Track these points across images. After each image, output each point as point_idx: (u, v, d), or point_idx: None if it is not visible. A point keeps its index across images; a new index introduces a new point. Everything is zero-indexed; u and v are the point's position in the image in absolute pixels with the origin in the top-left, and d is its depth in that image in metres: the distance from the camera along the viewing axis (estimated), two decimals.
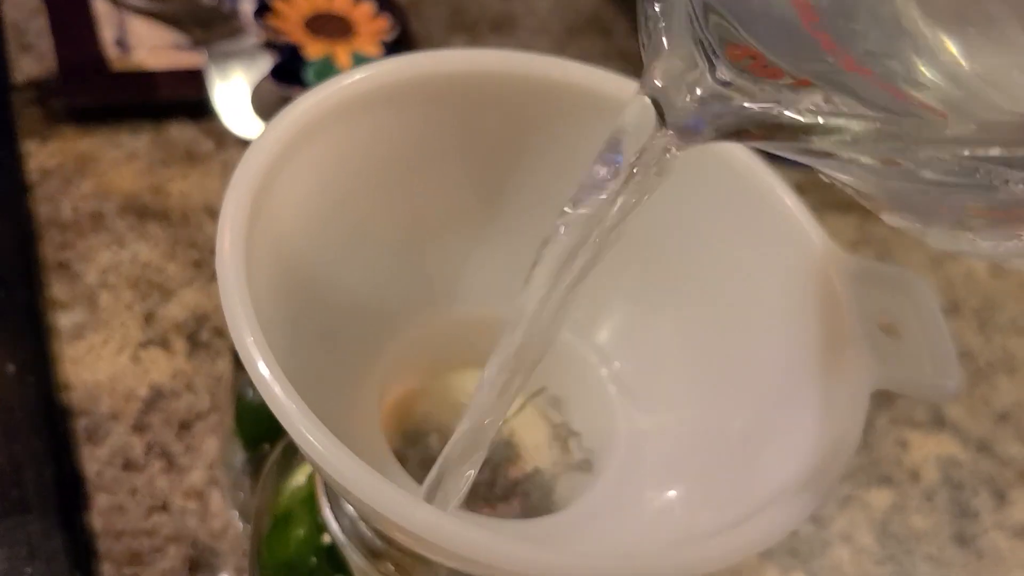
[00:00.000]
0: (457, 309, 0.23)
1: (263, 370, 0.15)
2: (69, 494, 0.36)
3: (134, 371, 0.41)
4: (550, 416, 0.22)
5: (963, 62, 0.12)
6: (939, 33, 0.13)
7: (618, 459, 0.21)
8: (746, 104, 0.14)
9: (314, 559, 0.23)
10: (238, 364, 0.33)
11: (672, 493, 0.19)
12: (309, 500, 0.24)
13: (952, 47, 0.13)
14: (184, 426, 0.40)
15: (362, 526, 0.21)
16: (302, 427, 0.15)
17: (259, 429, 0.32)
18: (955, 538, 0.45)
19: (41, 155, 0.48)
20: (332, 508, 0.22)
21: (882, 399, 0.50)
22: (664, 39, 0.15)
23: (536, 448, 0.22)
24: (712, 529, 0.16)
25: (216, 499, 0.38)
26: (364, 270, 0.22)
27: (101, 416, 0.39)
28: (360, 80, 0.20)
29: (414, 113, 0.21)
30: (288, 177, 0.20)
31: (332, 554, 0.23)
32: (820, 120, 0.13)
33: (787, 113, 0.14)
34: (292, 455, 0.26)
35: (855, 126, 0.13)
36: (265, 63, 0.51)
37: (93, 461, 0.38)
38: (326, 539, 0.23)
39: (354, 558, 0.22)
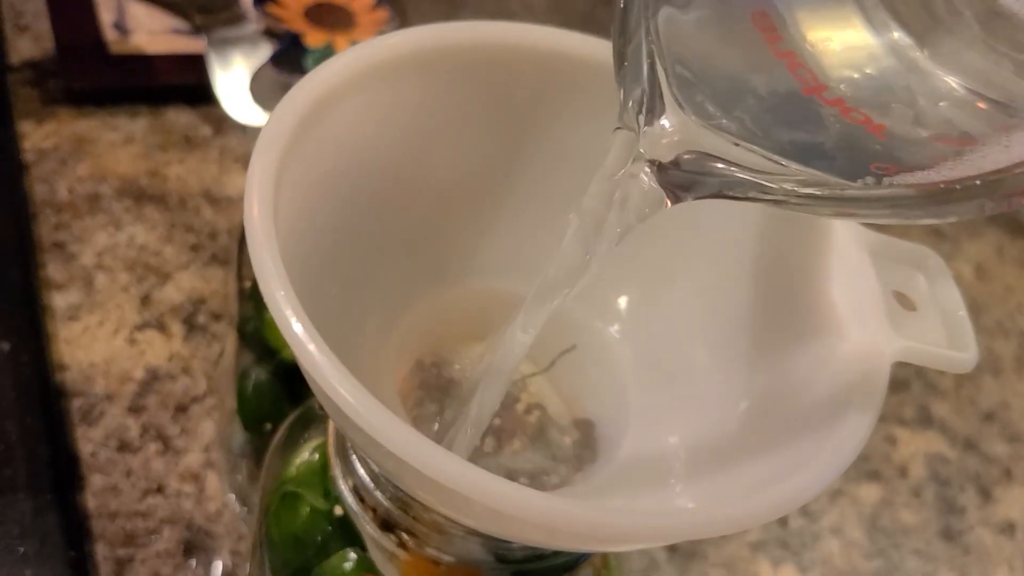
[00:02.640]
0: (472, 282, 0.23)
1: (295, 326, 0.15)
2: (63, 474, 0.36)
3: (130, 353, 0.41)
4: (563, 386, 0.23)
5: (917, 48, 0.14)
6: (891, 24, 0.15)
7: (632, 432, 0.21)
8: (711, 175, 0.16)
9: (325, 531, 0.23)
10: (241, 344, 0.33)
11: (688, 462, 0.20)
12: (319, 474, 0.24)
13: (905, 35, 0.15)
14: (180, 409, 0.40)
15: (378, 495, 0.21)
16: (337, 382, 0.15)
17: (261, 409, 0.32)
18: (942, 533, 0.46)
19: (36, 136, 0.47)
20: (345, 479, 0.22)
21: None
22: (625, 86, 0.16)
23: (548, 417, 0.22)
24: (741, 491, 0.16)
25: (212, 482, 0.38)
26: (382, 240, 0.22)
27: (96, 397, 0.39)
28: (384, 47, 0.20)
29: (438, 82, 0.21)
30: (312, 143, 0.20)
31: (344, 525, 0.23)
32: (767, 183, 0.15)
33: (741, 176, 0.15)
34: (300, 431, 0.26)
35: (787, 186, 0.15)
36: (265, 50, 0.50)
37: (87, 442, 0.38)
38: (337, 511, 0.23)
39: (367, 528, 0.22)
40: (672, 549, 0.42)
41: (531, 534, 0.16)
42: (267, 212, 0.17)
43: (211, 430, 0.39)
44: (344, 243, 0.21)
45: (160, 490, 0.37)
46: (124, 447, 0.38)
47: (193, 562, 0.36)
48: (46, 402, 0.37)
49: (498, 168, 0.22)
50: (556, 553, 0.21)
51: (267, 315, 0.30)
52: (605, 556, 0.24)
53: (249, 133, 0.50)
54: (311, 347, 0.15)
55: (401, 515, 0.20)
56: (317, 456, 0.24)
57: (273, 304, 0.16)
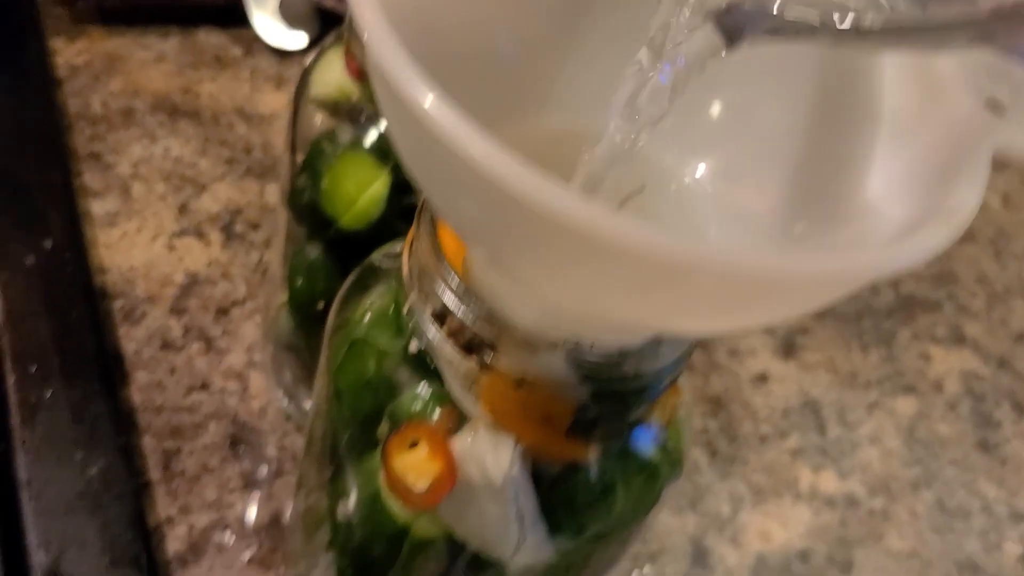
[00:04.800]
0: (548, 116, 0.23)
1: (410, 69, 0.15)
2: (108, 367, 0.36)
3: (169, 258, 0.41)
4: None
5: None
6: None
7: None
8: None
9: (397, 371, 0.23)
10: (292, 223, 0.32)
11: None
12: (389, 316, 0.24)
13: None
14: (221, 311, 0.40)
15: (464, 313, 0.20)
16: (456, 127, 0.14)
17: (314, 287, 0.31)
18: (979, 445, 0.46)
19: (68, 53, 0.47)
20: (424, 307, 0.21)
21: (904, 314, 0.51)
22: None
23: None
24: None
25: (256, 381, 0.38)
26: (471, 65, 0.21)
27: (137, 299, 0.39)
28: None
29: None
30: None
31: (418, 362, 0.23)
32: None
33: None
34: (360, 289, 0.26)
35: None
36: None
37: (131, 340, 0.38)
38: (411, 348, 0.23)
39: (447, 355, 0.21)
40: (713, 453, 0.42)
41: (679, 299, 0.15)
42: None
43: (253, 332, 0.39)
44: (432, 47, 0.20)
45: (205, 387, 0.37)
46: (167, 346, 0.38)
47: (241, 452, 0.36)
48: (89, 298, 0.37)
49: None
50: (637, 375, 0.21)
51: (324, 183, 0.30)
52: (674, 402, 0.24)
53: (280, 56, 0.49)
54: (430, 95, 0.15)
55: (488, 330, 0.20)
56: (386, 299, 0.24)
57: (382, 49, 0.15)
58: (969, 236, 0.56)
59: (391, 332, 0.24)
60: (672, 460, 0.24)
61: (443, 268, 0.21)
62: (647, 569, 0.37)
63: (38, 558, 0.30)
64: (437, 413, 0.22)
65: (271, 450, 0.36)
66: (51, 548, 0.30)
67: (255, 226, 0.43)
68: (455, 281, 0.21)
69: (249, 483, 0.35)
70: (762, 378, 0.45)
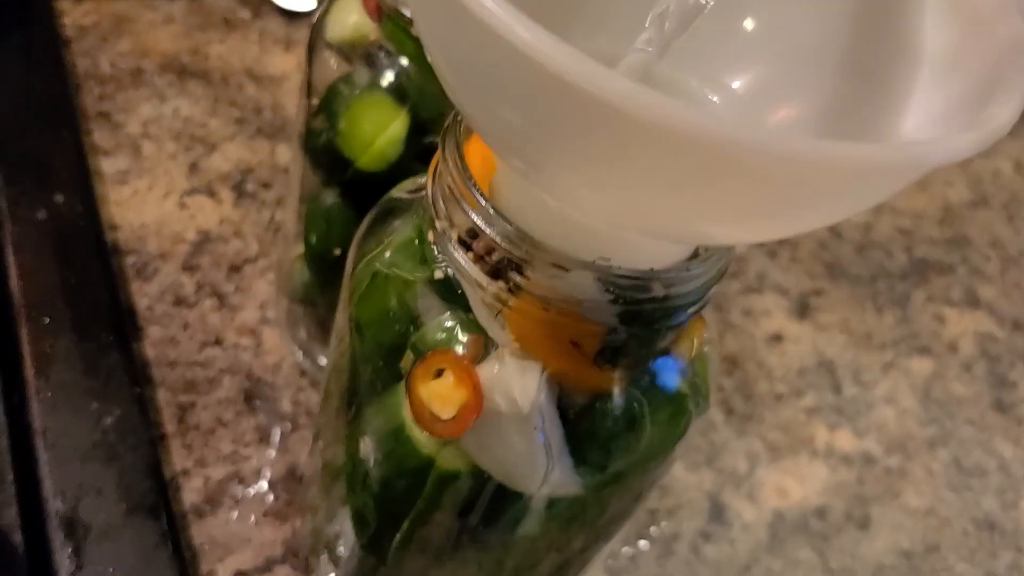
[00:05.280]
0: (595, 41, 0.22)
1: None
2: (122, 320, 0.35)
3: (180, 216, 0.40)
4: None
5: None
6: None
7: None
8: None
9: (421, 300, 0.23)
10: (307, 169, 0.32)
11: None
12: (413, 245, 0.24)
13: None
14: (234, 268, 0.39)
15: (493, 233, 0.20)
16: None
17: (331, 233, 0.31)
18: (994, 405, 0.45)
19: (76, 13, 0.46)
20: (451, 231, 0.21)
21: (918, 277, 0.50)
22: None
23: None
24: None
25: (269, 337, 0.38)
26: None
27: (149, 255, 0.39)
28: None
29: None
30: None
31: (443, 289, 0.23)
32: None
33: None
34: (380, 225, 0.25)
35: None
36: None
37: (143, 296, 0.37)
38: (436, 275, 0.23)
39: (474, 279, 0.21)
40: (728, 411, 0.41)
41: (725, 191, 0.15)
42: None
43: (266, 289, 0.39)
44: None
45: (218, 343, 0.37)
46: (180, 302, 0.38)
47: (255, 407, 0.36)
48: (101, 253, 0.37)
49: None
50: (666, 297, 0.21)
51: (341, 125, 0.30)
52: (700, 333, 0.24)
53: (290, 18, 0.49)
54: None
55: (516, 251, 0.20)
56: (408, 230, 0.24)
57: None
58: (982, 201, 0.56)
59: (414, 262, 0.23)
60: (698, 393, 0.24)
61: (471, 189, 0.21)
62: (665, 524, 0.37)
63: (55, 505, 0.30)
64: (463, 341, 0.22)
65: (286, 405, 0.36)
66: (68, 496, 0.30)
67: (266, 185, 0.42)
68: (483, 202, 0.20)
69: (264, 437, 0.35)
70: (777, 338, 0.45)
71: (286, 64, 0.48)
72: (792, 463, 0.40)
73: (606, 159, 0.15)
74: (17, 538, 0.29)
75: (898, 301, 0.49)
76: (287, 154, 0.44)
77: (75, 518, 0.30)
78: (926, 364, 0.46)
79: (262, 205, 0.42)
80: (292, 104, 0.46)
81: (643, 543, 0.36)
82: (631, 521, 0.37)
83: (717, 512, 0.38)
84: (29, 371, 0.32)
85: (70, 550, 0.29)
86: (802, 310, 0.47)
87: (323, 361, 0.36)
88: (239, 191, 0.42)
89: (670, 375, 0.23)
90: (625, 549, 0.36)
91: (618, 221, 0.18)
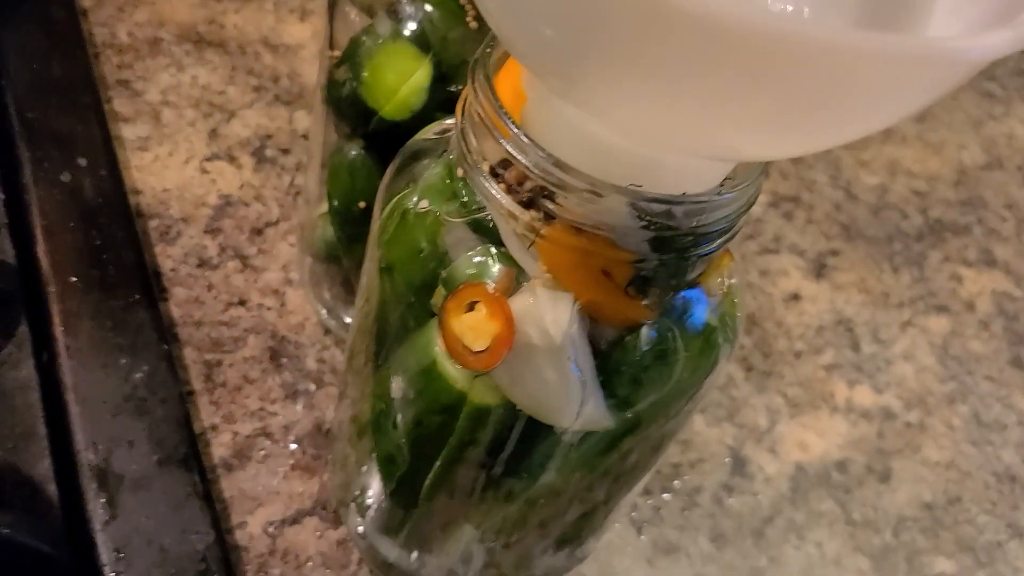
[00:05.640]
0: None
1: None
2: (147, 279, 0.36)
3: (201, 181, 0.41)
4: None
5: None
6: None
7: None
8: None
9: (452, 236, 0.23)
10: (329, 122, 0.32)
11: None
12: (443, 183, 0.24)
13: None
14: (256, 231, 0.40)
15: (526, 162, 0.20)
16: None
17: (355, 186, 0.31)
18: (1013, 362, 0.45)
19: None
20: (482, 165, 0.21)
21: (934, 238, 0.50)
22: None
23: None
24: None
25: (293, 298, 0.38)
26: None
27: (172, 219, 0.39)
28: None
29: None
30: None
31: (475, 225, 0.23)
32: None
33: None
34: (413, 158, 0.26)
35: None
36: None
37: (167, 258, 0.38)
38: (467, 211, 0.23)
39: (507, 209, 0.21)
40: (748, 368, 0.42)
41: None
42: None
43: (288, 252, 0.39)
44: None
45: (242, 303, 0.37)
46: (203, 264, 0.38)
47: (281, 365, 0.36)
48: (125, 215, 0.37)
49: None
50: (697, 224, 0.21)
51: (365, 75, 0.30)
52: (729, 266, 0.24)
53: None
54: None
55: (548, 178, 0.20)
56: (437, 169, 0.24)
57: None
58: (997, 163, 0.56)
59: (444, 198, 0.24)
60: (727, 328, 0.24)
61: (502, 118, 0.21)
62: (688, 478, 0.37)
63: (87, 457, 0.30)
64: (495, 273, 0.22)
65: (311, 363, 0.36)
66: (99, 448, 0.30)
67: (285, 151, 0.43)
68: (515, 130, 0.20)
69: (290, 394, 0.35)
70: (794, 297, 0.45)
71: (302, 33, 0.48)
72: (812, 418, 0.41)
73: (651, 62, 0.15)
74: (51, 489, 0.29)
75: (915, 261, 0.49)
76: (305, 120, 0.44)
77: (107, 469, 0.30)
78: (944, 322, 0.46)
79: (282, 170, 0.42)
80: (309, 72, 0.46)
81: (667, 496, 0.37)
82: (655, 475, 0.37)
83: (739, 466, 0.38)
84: (58, 329, 0.33)
85: (104, 500, 0.29)
86: (819, 270, 0.47)
87: (348, 319, 0.37)
88: (259, 157, 0.42)
89: (700, 308, 0.24)
90: (649, 502, 0.36)
91: (657, 137, 0.18)
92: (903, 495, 0.39)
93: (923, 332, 0.46)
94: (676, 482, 0.37)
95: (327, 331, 0.37)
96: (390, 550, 0.31)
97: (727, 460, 0.38)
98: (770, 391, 0.41)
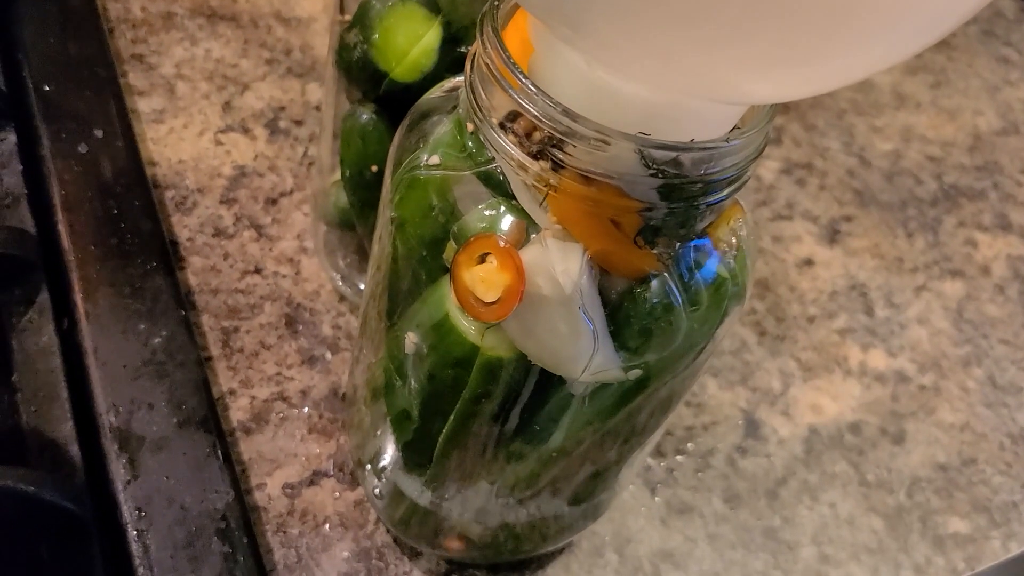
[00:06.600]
0: None
1: None
2: (164, 247, 0.36)
3: (216, 152, 0.41)
4: None
5: None
6: None
7: None
8: None
9: (463, 192, 0.23)
10: (340, 87, 0.33)
11: None
12: (453, 140, 0.24)
13: None
14: (270, 201, 0.40)
15: (536, 111, 0.20)
16: None
17: (367, 149, 0.32)
18: None
19: None
20: (492, 116, 0.22)
21: (949, 203, 0.50)
22: None
23: None
24: None
25: (308, 266, 0.38)
26: None
27: (188, 189, 0.39)
28: None
29: None
30: None
31: (485, 180, 0.23)
32: None
33: None
34: (423, 116, 0.26)
35: None
36: None
37: (183, 228, 0.38)
38: (477, 165, 0.23)
39: (517, 161, 0.21)
40: (761, 333, 0.42)
41: None
42: None
43: (302, 221, 0.40)
44: None
45: (258, 271, 0.38)
46: (219, 233, 0.38)
47: (297, 331, 0.36)
48: (142, 185, 0.37)
49: None
50: (705, 172, 0.21)
51: (375, 37, 0.30)
52: (738, 217, 0.24)
53: None
54: None
55: (558, 128, 0.20)
56: (446, 125, 0.24)
57: None
58: (1012, 128, 0.56)
59: (454, 153, 0.24)
60: (736, 279, 0.24)
61: (511, 69, 0.21)
62: (701, 440, 0.38)
63: (108, 419, 0.31)
64: (505, 225, 0.23)
65: (326, 329, 0.37)
66: (120, 411, 0.31)
67: (298, 122, 0.43)
68: (524, 80, 0.21)
69: (306, 359, 0.36)
70: (808, 263, 0.45)
71: (313, 6, 0.48)
72: (826, 381, 0.41)
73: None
74: (74, 449, 0.30)
75: (929, 226, 0.49)
76: (317, 92, 0.44)
77: (128, 431, 0.31)
78: (958, 286, 0.46)
79: (295, 141, 0.42)
80: (320, 44, 0.47)
81: (680, 458, 0.37)
82: (668, 437, 0.38)
83: (752, 428, 0.38)
84: (78, 295, 0.33)
85: (125, 460, 0.30)
86: (832, 236, 0.47)
87: (362, 286, 0.37)
88: (272, 128, 0.43)
89: (709, 259, 0.24)
90: (663, 463, 0.37)
91: (664, 77, 0.18)
92: (917, 457, 0.39)
93: (938, 296, 0.45)
94: (690, 444, 0.37)
95: (341, 298, 0.38)
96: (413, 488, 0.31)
97: (740, 423, 0.38)
98: (783, 355, 0.41)
